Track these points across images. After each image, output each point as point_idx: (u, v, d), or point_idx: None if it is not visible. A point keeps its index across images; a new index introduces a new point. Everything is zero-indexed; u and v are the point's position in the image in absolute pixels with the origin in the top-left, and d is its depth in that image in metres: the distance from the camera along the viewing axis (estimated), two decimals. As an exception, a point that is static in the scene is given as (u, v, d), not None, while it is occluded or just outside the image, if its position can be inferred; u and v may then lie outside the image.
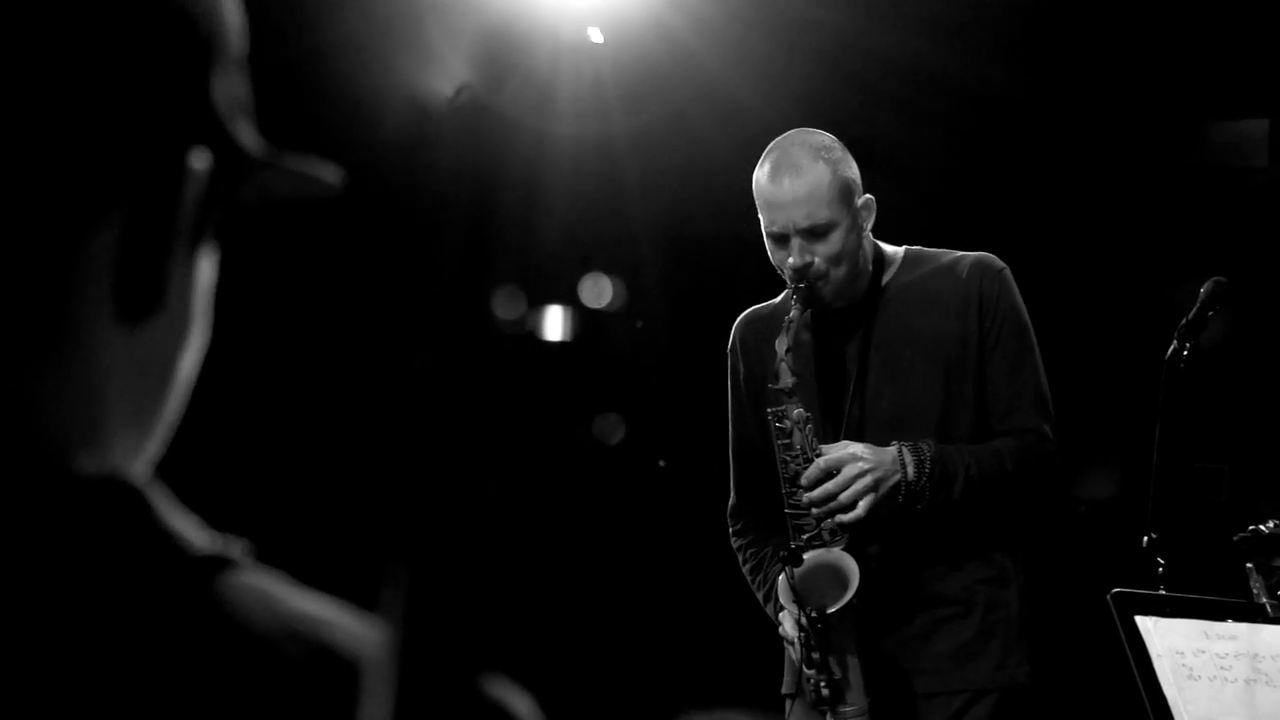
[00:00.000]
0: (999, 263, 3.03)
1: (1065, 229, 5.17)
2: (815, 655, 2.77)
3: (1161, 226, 5.16)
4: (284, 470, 4.40)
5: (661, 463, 5.41)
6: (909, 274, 3.05)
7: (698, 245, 5.33)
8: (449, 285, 0.55)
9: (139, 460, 0.76)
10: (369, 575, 0.58)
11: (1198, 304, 2.95)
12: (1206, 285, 2.96)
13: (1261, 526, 2.59)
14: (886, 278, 3.04)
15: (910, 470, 2.86)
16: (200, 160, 0.73)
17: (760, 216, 2.98)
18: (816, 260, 2.91)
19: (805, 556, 2.84)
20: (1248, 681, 2.34)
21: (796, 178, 2.90)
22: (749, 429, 3.14)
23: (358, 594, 0.76)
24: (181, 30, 0.72)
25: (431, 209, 0.56)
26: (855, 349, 3.01)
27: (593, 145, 5.03)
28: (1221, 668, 2.35)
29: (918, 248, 3.11)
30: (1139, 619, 2.38)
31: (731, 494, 3.23)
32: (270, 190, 0.77)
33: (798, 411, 2.91)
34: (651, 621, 5.25)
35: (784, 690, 3.07)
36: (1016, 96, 5.10)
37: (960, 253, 3.07)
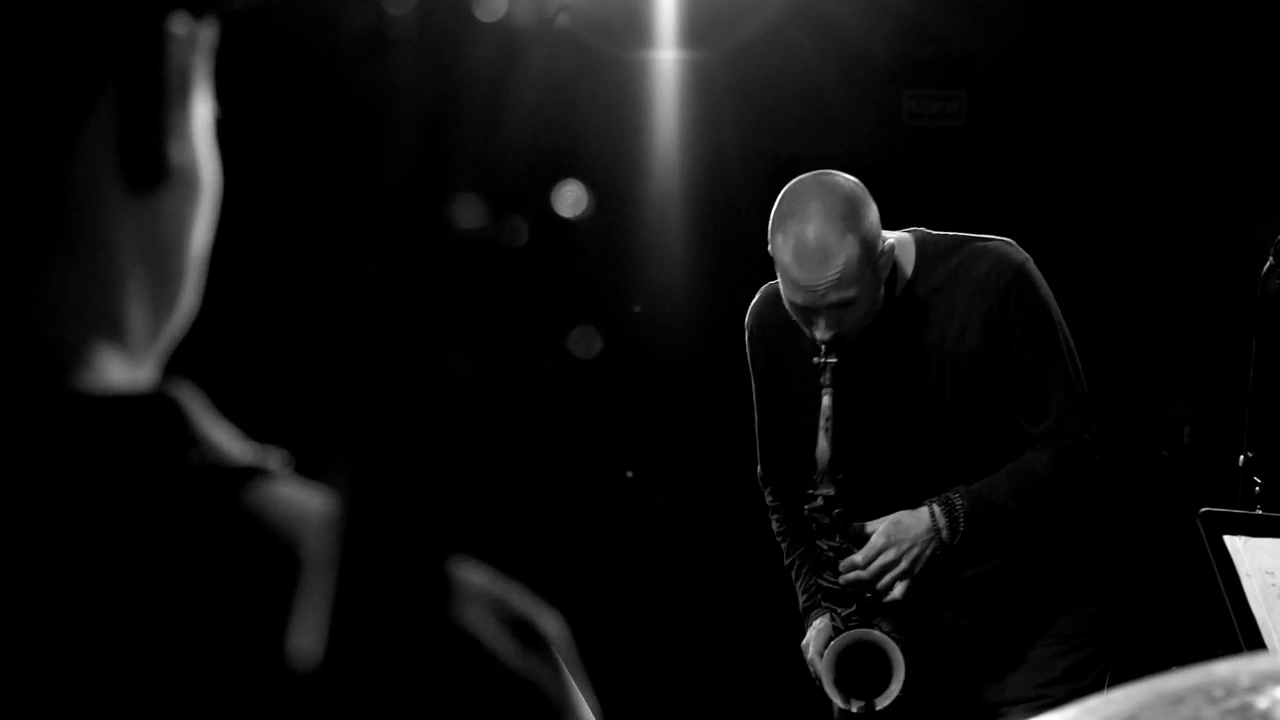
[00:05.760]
0: (1017, 256, 2.86)
1: (1165, 144, 5.06)
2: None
3: (1257, 143, 5.03)
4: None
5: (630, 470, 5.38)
6: (924, 281, 2.89)
7: (794, 165, 5.27)
8: (401, 190, 0.54)
9: (160, 339, 0.76)
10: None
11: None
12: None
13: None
14: (900, 286, 2.89)
15: (944, 532, 2.86)
16: (181, 25, 0.73)
17: (779, 276, 2.80)
18: (843, 327, 2.76)
19: (844, 635, 2.91)
20: (1338, 602, 2.31)
21: (825, 264, 2.68)
22: (771, 403, 3.12)
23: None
24: None
25: (388, 111, 0.55)
26: (873, 369, 2.91)
27: (689, 64, 5.00)
28: (1312, 588, 2.32)
29: (926, 235, 2.93)
30: (1228, 538, 2.35)
31: (759, 463, 3.21)
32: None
33: (837, 511, 2.89)
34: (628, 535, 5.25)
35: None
36: (1115, 13, 4.99)
37: (975, 241, 2.90)
